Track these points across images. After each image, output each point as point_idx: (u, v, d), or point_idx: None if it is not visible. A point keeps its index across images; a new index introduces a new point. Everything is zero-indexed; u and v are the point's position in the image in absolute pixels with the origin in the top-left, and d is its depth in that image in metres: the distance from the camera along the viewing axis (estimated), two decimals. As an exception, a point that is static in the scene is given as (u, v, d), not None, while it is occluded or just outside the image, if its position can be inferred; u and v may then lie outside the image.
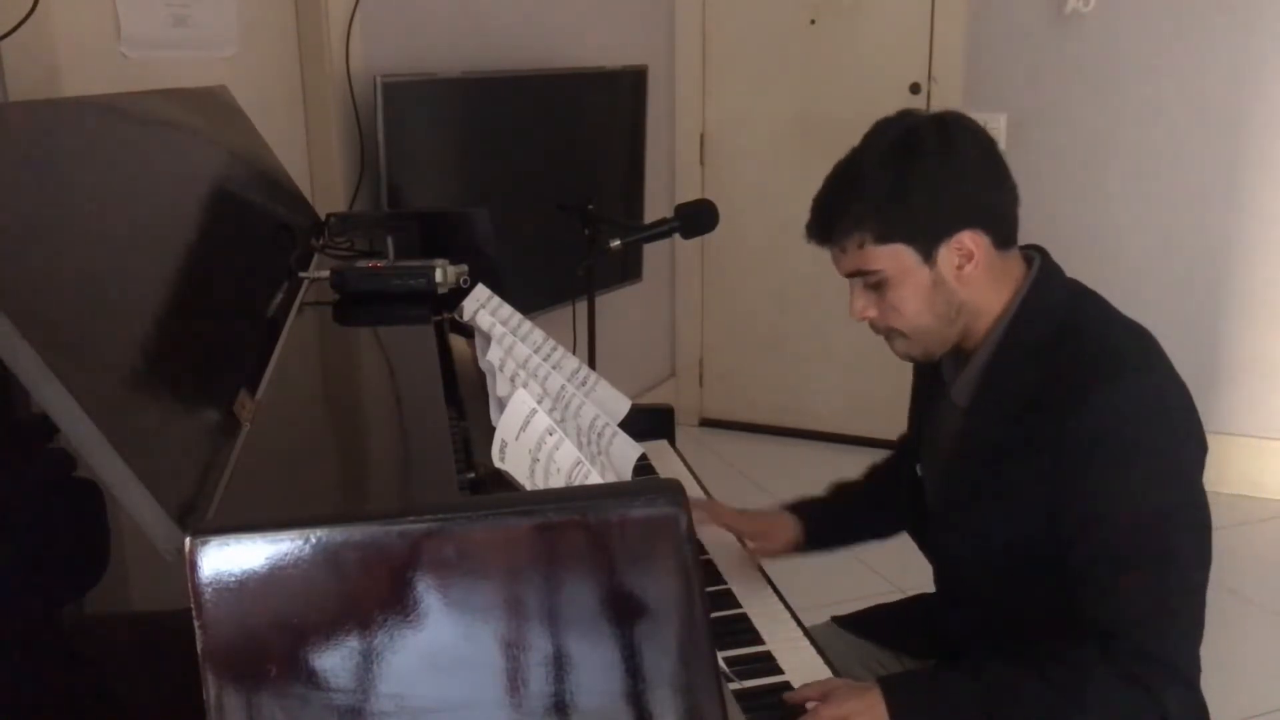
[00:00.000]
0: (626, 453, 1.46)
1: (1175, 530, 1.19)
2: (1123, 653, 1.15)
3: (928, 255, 1.26)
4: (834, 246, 1.29)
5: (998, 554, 1.29)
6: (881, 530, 1.64)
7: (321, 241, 1.81)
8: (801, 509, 1.60)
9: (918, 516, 1.50)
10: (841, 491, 1.66)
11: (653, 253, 3.62)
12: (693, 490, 1.69)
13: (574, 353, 1.59)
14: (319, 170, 2.48)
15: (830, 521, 1.61)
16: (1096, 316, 1.29)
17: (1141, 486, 1.18)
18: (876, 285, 1.28)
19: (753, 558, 1.55)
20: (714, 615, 1.29)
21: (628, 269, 3.43)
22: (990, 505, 1.28)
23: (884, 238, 1.25)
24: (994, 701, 1.18)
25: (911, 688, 1.22)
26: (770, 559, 1.57)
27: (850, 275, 1.30)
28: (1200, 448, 1.23)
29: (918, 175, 1.24)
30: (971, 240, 1.25)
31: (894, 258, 1.26)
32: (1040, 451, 1.21)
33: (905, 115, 1.29)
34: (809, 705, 1.19)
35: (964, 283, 1.27)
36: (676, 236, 2.26)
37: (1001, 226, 1.28)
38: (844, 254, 1.29)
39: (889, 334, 1.33)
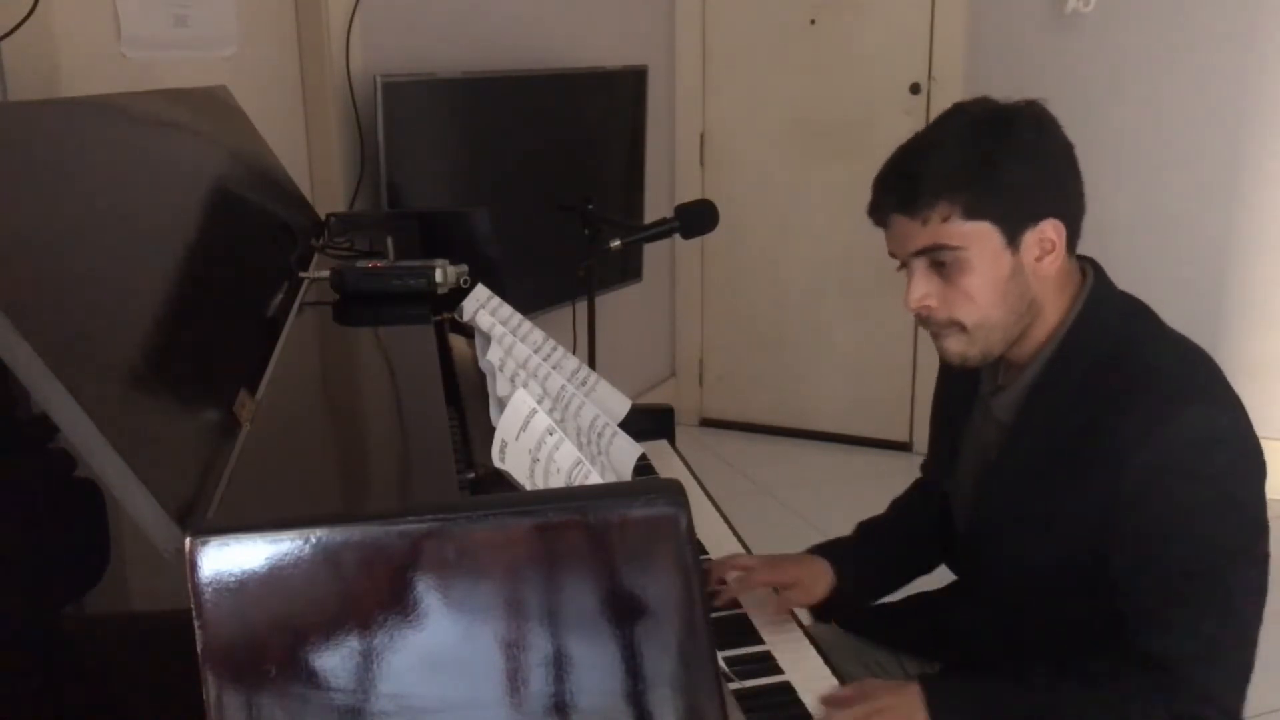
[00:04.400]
0: (626, 453, 1.46)
1: (1233, 565, 1.16)
2: (1178, 690, 1.14)
3: (1013, 240, 1.18)
4: (914, 218, 1.18)
5: (1031, 573, 1.27)
6: (922, 565, 1.55)
7: (321, 241, 1.81)
8: (830, 550, 1.48)
9: (943, 533, 1.46)
10: (870, 530, 1.56)
11: (653, 253, 3.62)
12: (693, 491, 1.68)
13: (574, 353, 1.59)
14: (319, 170, 2.48)
15: (864, 561, 1.49)
16: (1155, 338, 1.23)
17: (1201, 520, 1.14)
18: (947, 270, 1.19)
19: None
20: (714, 615, 1.30)
21: (628, 269, 3.43)
22: (1029, 525, 1.25)
23: (974, 212, 1.16)
24: (1038, 713, 1.17)
25: (953, 688, 1.21)
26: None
27: (918, 253, 1.20)
28: (1260, 477, 1.18)
29: (1016, 151, 1.17)
30: (1055, 230, 1.19)
31: (979, 237, 1.17)
32: (1094, 477, 1.17)
33: (988, 99, 1.22)
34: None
35: (1040, 277, 1.20)
36: (676, 236, 2.26)
37: (1076, 224, 1.22)
38: (923, 226, 1.18)
39: (945, 329, 1.23)
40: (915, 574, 1.55)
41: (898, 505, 1.60)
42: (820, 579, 1.43)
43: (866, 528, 1.57)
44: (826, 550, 1.48)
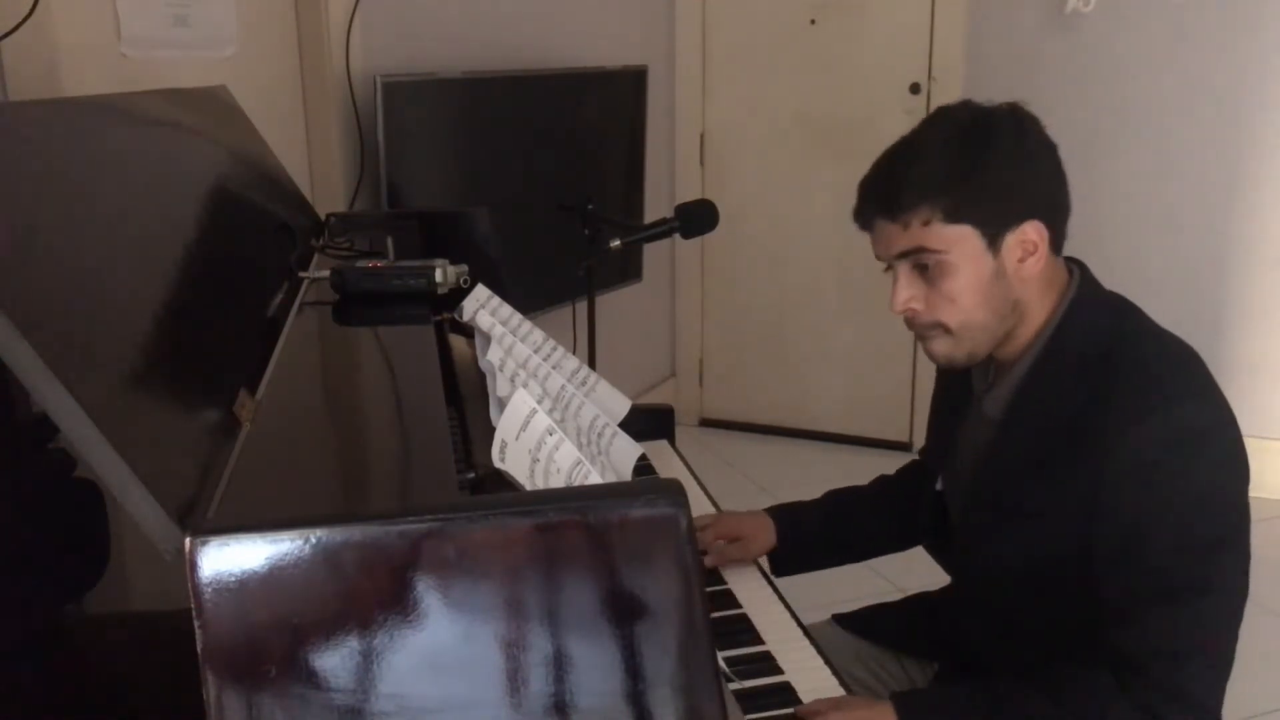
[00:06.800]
0: (626, 453, 1.46)
1: (1216, 562, 1.16)
2: (1144, 686, 1.14)
3: (994, 242, 1.19)
4: (895, 221, 1.20)
5: (1022, 569, 1.26)
6: (890, 540, 1.57)
7: (322, 241, 1.81)
8: (781, 511, 1.54)
9: (936, 530, 1.46)
10: (835, 497, 1.59)
11: (653, 253, 3.62)
12: (693, 491, 1.68)
13: (574, 353, 1.59)
14: (319, 170, 2.48)
15: (815, 525, 1.54)
16: (1144, 335, 1.24)
17: (1186, 517, 1.15)
18: (930, 273, 1.21)
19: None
20: (714, 615, 1.30)
21: (628, 269, 3.43)
22: (1019, 521, 1.25)
23: (954, 216, 1.18)
24: None
25: (924, 704, 1.22)
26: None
27: (901, 256, 1.22)
28: (1242, 477, 1.19)
29: (995, 155, 1.19)
30: (1036, 232, 1.20)
31: (960, 241, 1.19)
32: (1080, 472, 1.17)
33: (970, 103, 1.24)
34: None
35: (1022, 278, 1.22)
36: (676, 236, 2.26)
37: (1060, 226, 1.23)
38: (904, 230, 1.20)
39: (930, 331, 1.25)
40: (881, 549, 1.59)
41: (881, 480, 1.62)
42: (760, 536, 1.52)
43: (833, 495, 1.61)
44: (779, 511, 1.57)
